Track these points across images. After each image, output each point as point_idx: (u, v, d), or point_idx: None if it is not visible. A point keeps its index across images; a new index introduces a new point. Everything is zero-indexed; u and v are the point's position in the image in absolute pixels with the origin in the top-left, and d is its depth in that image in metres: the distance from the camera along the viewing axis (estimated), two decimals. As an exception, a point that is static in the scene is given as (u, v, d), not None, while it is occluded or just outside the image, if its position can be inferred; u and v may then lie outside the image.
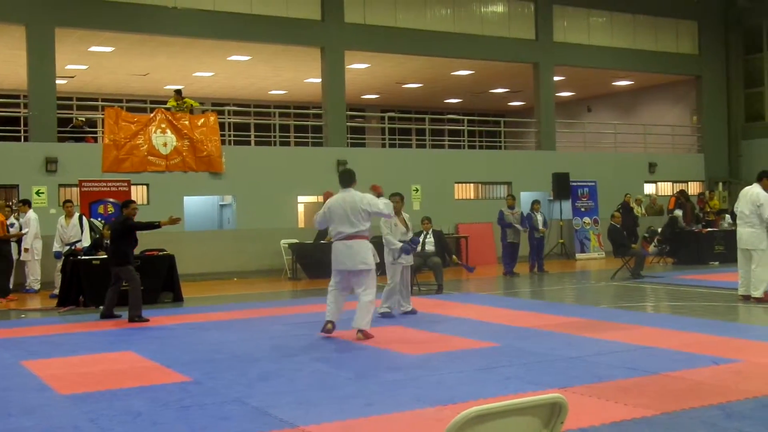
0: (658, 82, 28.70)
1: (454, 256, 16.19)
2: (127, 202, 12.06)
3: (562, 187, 22.33)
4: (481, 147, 26.25)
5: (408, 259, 11.31)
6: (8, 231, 15.25)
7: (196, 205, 21.62)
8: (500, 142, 26.04)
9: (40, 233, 15.89)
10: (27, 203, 16.11)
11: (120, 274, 11.62)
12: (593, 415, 5.54)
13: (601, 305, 12.26)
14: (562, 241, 22.56)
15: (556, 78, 25.36)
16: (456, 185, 22.49)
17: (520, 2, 24.23)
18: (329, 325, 9.43)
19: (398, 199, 11.26)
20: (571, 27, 25.18)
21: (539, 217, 18.42)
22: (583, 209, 23.03)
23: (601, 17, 25.85)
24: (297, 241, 18.64)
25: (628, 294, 13.69)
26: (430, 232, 14.94)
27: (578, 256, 22.40)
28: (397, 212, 11.05)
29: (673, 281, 15.39)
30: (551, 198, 23.13)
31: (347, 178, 9.82)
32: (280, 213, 19.87)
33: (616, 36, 25.90)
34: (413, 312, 11.37)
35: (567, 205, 22.76)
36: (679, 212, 20.87)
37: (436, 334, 9.48)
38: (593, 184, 23.33)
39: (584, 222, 22.90)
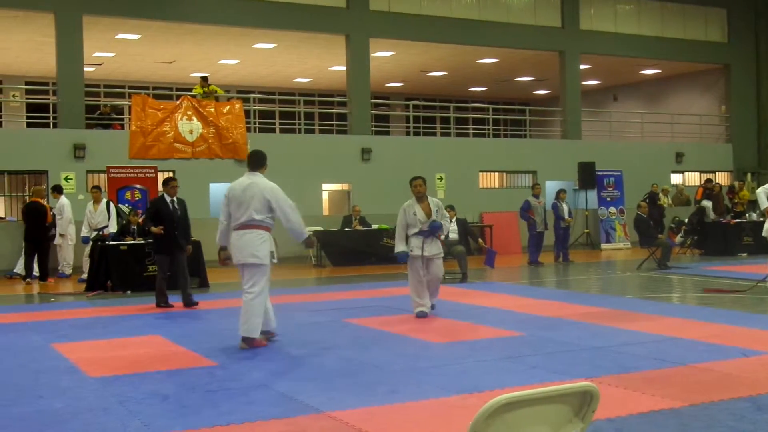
0: (685, 71, 28.40)
1: (480, 240, 16.18)
2: (167, 180, 11.71)
3: (588, 176, 22.18)
4: (505, 136, 26.18)
5: (429, 249, 9.87)
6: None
7: (222, 192, 21.69)
8: (525, 130, 25.92)
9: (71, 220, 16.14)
10: (59, 190, 16.31)
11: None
12: (620, 406, 5.51)
13: (626, 295, 12.19)
14: (587, 230, 22.44)
15: (582, 66, 25.17)
16: (480, 174, 22.43)
17: (547, -10, 24.04)
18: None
19: (420, 182, 10.07)
20: (598, 15, 24.96)
21: (564, 207, 18.32)
22: (608, 199, 22.87)
23: (629, 5, 25.60)
24: (322, 228, 18.67)
25: (654, 284, 13.60)
26: (453, 220, 14.91)
27: (603, 246, 22.27)
28: (420, 198, 10.03)
29: (700, 272, 15.26)
30: (576, 187, 23.00)
31: (255, 161, 8.48)
32: (304, 200, 19.84)
33: (644, 24, 25.65)
34: (432, 307, 10.18)
35: (592, 195, 22.62)
36: (708, 203, 20.69)
37: (461, 323, 9.47)
38: (619, 173, 23.15)
39: (610, 212, 22.75)
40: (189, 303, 11.30)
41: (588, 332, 8.61)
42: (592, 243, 22.44)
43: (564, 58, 24.41)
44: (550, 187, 22.27)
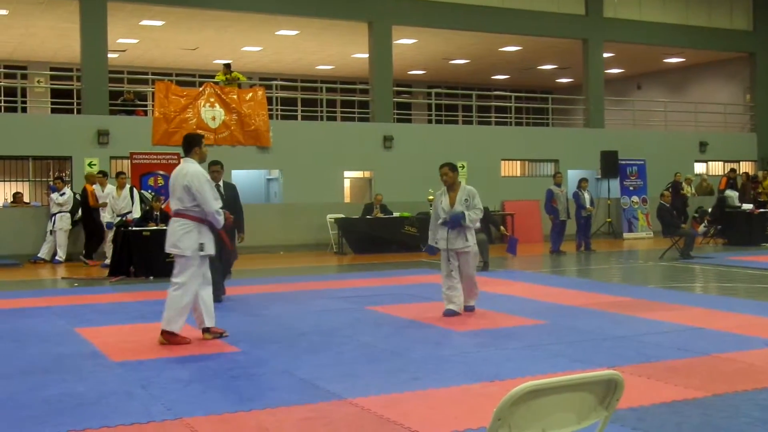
0: (710, 59, 28.11)
1: (502, 227, 16.13)
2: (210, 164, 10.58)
3: (610, 165, 22.05)
4: (528, 124, 26.04)
5: (453, 242, 9.22)
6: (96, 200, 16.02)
7: (244, 178, 21.78)
8: (548, 119, 25.77)
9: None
10: (106, 175, 16.53)
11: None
12: (643, 395, 5.49)
13: (649, 285, 12.12)
14: (609, 220, 22.32)
15: (605, 54, 24.99)
16: (502, 162, 22.35)
17: (571, -23, 23.86)
18: (205, 334, 7.89)
19: (445, 170, 9.33)
20: (622, 2, 24.73)
21: (586, 196, 18.23)
22: (631, 188, 22.73)
23: (653, -8, 25.34)
24: (343, 215, 18.71)
25: (677, 274, 13.51)
26: (476, 208, 14.86)
27: (626, 235, 22.16)
28: (450, 187, 9.31)
29: (723, 262, 15.14)
30: (599, 176, 22.88)
31: (184, 146, 7.94)
32: (326, 187, 19.95)
33: (668, 12, 25.39)
34: (468, 309, 9.39)
35: (615, 184, 22.49)
36: (732, 192, 20.51)
37: (483, 311, 9.46)
38: (642, 162, 22.99)
39: (632, 201, 22.61)
40: (217, 297, 10.52)
41: (610, 321, 8.58)
42: (614, 232, 22.33)
43: (587, 46, 24.23)
44: (573, 176, 22.17)
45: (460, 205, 9.22)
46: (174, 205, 7.72)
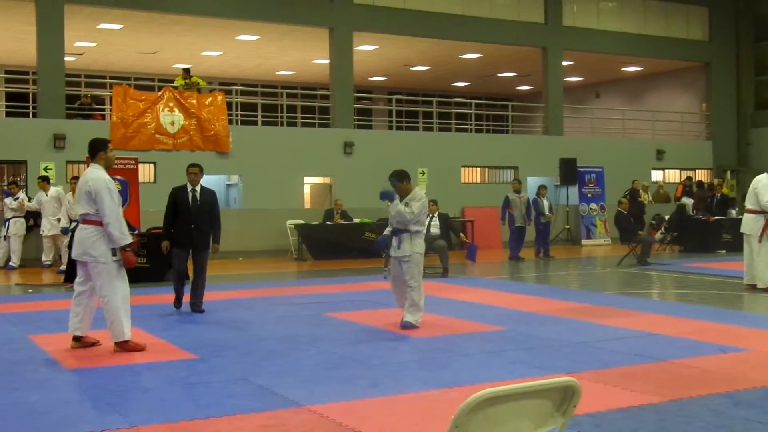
0: (667, 69, 28.54)
1: (461, 234, 16.18)
2: (188, 167, 10.30)
3: (569, 172, 22.27)
4: (488, 131, 26.19)
5: (396, 250, 8.75)
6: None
7: (203, 184, 21.60)
8: (508, 126, 25.95)
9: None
10: (47, 180, 16.25)
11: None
12: (599, 401, 5.53)
13: (607, 291, 12.25)
14: (568, 226, 22.53)
15: (564, 63, 25.25)
16: (463, 169, 22.45)
17: (531, -15, 24.07)
18: (73, 342, 7.63)
19: (395, 181, 8.90)
20: (581, 11, 25.03)
21: (545, 203, 18.38)
22: (589, 195, 22.98)
23: (612, 2, 25.71)
24: (303, 221, 18.64)
25: (634, 280, 13.68)
26: (435, 215, 14.93)
27: (584, 242, 22.38)
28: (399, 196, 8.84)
29: (679, 269, 15.36)
30: (558, 183, 23.09)
31: (90, 150, 7.72)
32: (286, 193, 19.87)
33: (626, 21, 25.75)
34: (404, 325, 8.66)
35: (574, 191, 22.72)
36: (688, 200, 20.82)
37: (442, 317, 9.47)
38: (600, 170, 23.26)
39: (591, 208, 22.85)
40: (197, 308, 10.00)
41: (568, 327, 8.65)
42: (572, 239, 22.55)
43: (547, 54, 24.47)
44: (532, 182, 22.34)
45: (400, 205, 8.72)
46: (81, 210, 7.50)
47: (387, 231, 9.01)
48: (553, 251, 18.76)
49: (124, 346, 7.41)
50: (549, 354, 7.27)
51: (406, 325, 8.59)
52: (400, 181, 8.85)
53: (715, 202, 20.52)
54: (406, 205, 8.70)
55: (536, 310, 9.92)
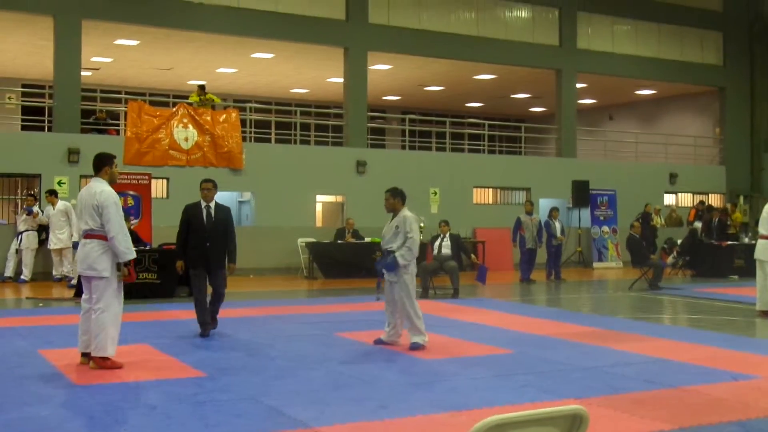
0: (681, 93, 28.52)
1: (472, 255, 16.12)
2: (201, 183, 9.92)
3: (582, 194, 22.23)
4: (501, 152, 26.23)
5: (390, 276, 8.82)
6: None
7: (216, 200, 21.68)
8: (520, 147, 25.96)
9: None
10: (54, 194, 16.35)
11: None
12: (609, 428, 5.49)
13: (618, 315, 12.18)
14: (579, 249, 22.46)
15: (578, 85, 25.27)
16: (475, 189, 22.45)
17: (545, 8, 24.16)
18: (82, 359, 7.61)
19: (387, 196, 8.91)
20: (596, 34, 25.07)
21: (557, 225, 18.33)
22: (601, 218, 22.92)
23: (626, 25, 25.72)
24: (314, 240, 18.64)
25: (645, 305, 13.60)
26: (447, 235, 14.91)
27: (596, 265, 22.30)
28: (392, 213, 8.94)
29: (691, 294, 15.27)
30: (570, 205, 23.04)
31: (94, 165, 7.73)
32: (298, 211, 19.90)
33: (641, 45, 25.77)
34: (412, 347, 8.60)
35: (586, 213, 22.67)
36: (700, 224, 20.71)
37: (451, 339, 9.44)
38: (613, 192, 23.21)
39: (603, 231, 22.79)
40: (212, 325, 9.63)
41: (579, 352, 8.59)
42: (584, 261, 22.47)
43: (561, 76, 24.50)
44: (544, 204, 22.31)
45: (389, 233, 8.81)
46: (84, 225, 7.51)
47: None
48: (565, 274, 18.68)
49: (102, 363, 7.35)
50: (559, 378, 7.22)
51: (415, 347, 8.56)
52: (395, 197, 8.88)
53: (714, 225, 20.29)
54: (397, 229, 8.73)
55: (547, 334, 9.86)
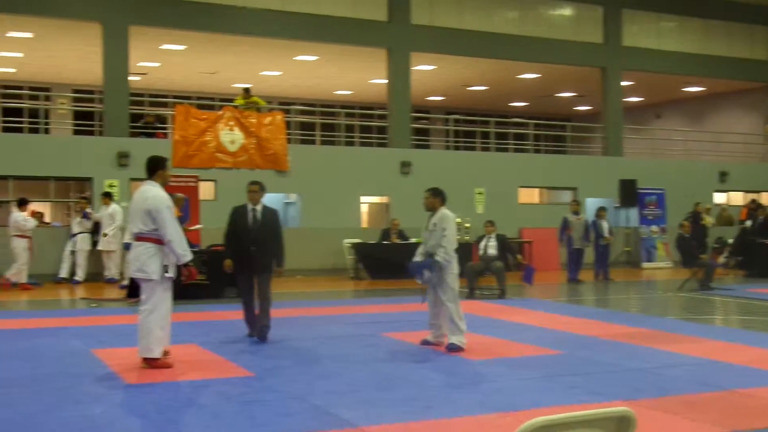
0: (730, 89, 28.02)
1: (519, 255, 16.00)
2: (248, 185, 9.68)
3: (629, 194, 21.97)
4: (546, 151, 26.03)
5: (424, 278, 8.75)
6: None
7: (263, 202, 21.86)
8: (566, 146, 25.74)
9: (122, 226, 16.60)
10: (109, 196, 16.68)
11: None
12: (658, 430, 5.43)
13: (667, 316, 12.02)
14: (628, 249, 22.20)
15: (624, 83, 24.99)
16: (520, 189, 22.32)
17: (589, 5, 23.94)
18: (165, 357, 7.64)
19: (427, 195, 8.97)
20: (641, 31, 24.77)
21: (604, 225, 18.14)
22: (650, 217, 22.63)
23: (672, 21, 25.37)
24: (360, 240, 18.70)
25: (696, 306, 13.40)
26: (493, 235, 14.85)
27: (644, 265, 22.03)
28: (431, 211, 8.95)
29: (743, 294, 14.99)
30: (617, 205, 22.78)
31: (147, 168, 7.80)
32: (343, 212, 19.99)
33: (687, 41, 25.39)
34: (450, 347, 8.54)
35: (634, 213, 22.40)
36: (750, 223, 20.32)
37: (498, 340, 9.40)
38: (661, 192, 22.89)
39: (651, 230, 22.50)
40: (262, 335, 9.30)
41: (627, 353, 8.50)
42: (632, 262, 22.19)
43: (606, 74, 24.25)
44: (591, 204, 22.09)
45: (428, 235, 8.79)
46: (135, 228, 7.58)
47: (419, 256, 8.91)
48: (613, 274, 18.47)
49: (151, 363, 7.45)
50: (607, 380, 7.15)
51: (453, 348, 8.51)
52: (435, 196, 8.90)
53: (758, 224, 19.81)
54: (434, 226, 8.72)
55: (595, 334, 9.77)
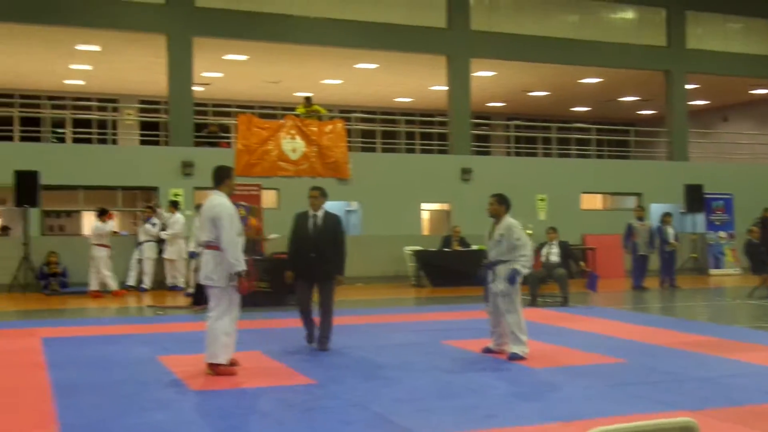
0: (801, 91, 27.27)
1: (581, 262, 15.79)
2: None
3: (696, 199, 21.50)
4: (609, 156, 25.66)
5: (493, 284, 8.74)
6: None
7: (325, 209, 22.02)
8: (630, 151, 25.36)
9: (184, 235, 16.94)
10: (175, 205, 17.03)
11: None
12: (727, 440, 5.31)
13: (736, 324, 11.73)
14: (694, 255, 21.73)
15: (689, 86, 24.50)
16: (583, 195, 22.05)
17: (651, 8, 23.57)
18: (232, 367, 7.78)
19: (492, 201, 8.94)
20: (706, 33, 24.28)
21: (670, 231, 17.81)
22: (717, 223, 22.12)
23: (738, 23, 24.79)
24: (421, 247, 18.69)
25: (766, 313, 13.04)
26: (555, 242, 14.70)
27: (712, 271, 21.54)
28: (495, 219, 8.92)
29: (815, 301, 14.56)
30: (683, 210, 22.33)
31: (213, 178, 7.96)
32: (404, 220, 20.01)
33: (754, 42, 24.79)
34: (511, 357, 8.45)
35: (700, 219, 21.93)
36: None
37: (561, 348, 9.30)
38: (729, 196, 22.37)
39: (719, 236, 21.99)
40: (321, 345, 9.23)
41: (694, 361, 8.33)
42: (700, 268, 21.73)
43: (670, 77, 23.83)
44: (656, 210, 21.70)
45: (493, 245, 8.78)
46: (203, 236, 7.80)
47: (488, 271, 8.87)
48: (679, 281, 18.10)
49: (216, 369, 7.57)
50: (673, 389, 7.01)
51: (513, 357, 8.44)
52: (500, 203, 8.86)
53: None
54: (501, 237, 8.66)
55: (660, 343, 9.59)
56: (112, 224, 16.35)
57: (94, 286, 15.80)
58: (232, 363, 7.78)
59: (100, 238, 15.89)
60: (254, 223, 16.11)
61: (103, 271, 15.78)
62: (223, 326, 7.58)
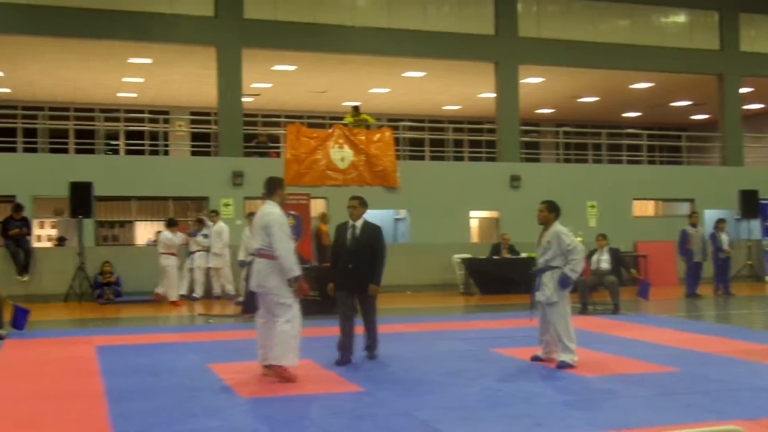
0: None
1: (633, 270, 15.56)
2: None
3: (751, 205, 21.05)
4: (661, 162, 25.30)
5: (539, 293, 8.68)
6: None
7: (372, 219, 22.03)
8: (682, 157, 24.97)
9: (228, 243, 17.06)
10: (217, 213, 17.28)
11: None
12: (782, 451, 5.18)
13: (792, 332, 11.46)
14: (750, 262, 21.28)
15: (743, 90, 24.06)
16: (635, 202, 21.76)
17: (703, 11, 23.21)
18: (264, 370, 7.96)
19: (542, 207, 8.87)
20: (760, 36, 23.82)
21: (724, 237, 17.47)
22: (774, 229, 21.64)
23: (795, 24, 24.28)
24: (470, 255, 18.62)
25: (824, 321, 12.72)
26: (605, 249, 14.53)
27: (768, 278, 21.08)
28: (543, 225, 8.88)
29: None
30: (738, 217, 21.88)
31: (265, 188, 8.22)
32: (452, 227, 19.97)
33: (811, 44, 24.24)
34: (560, 365, 8.39)
35: (756, 225, 21.47)
36: None
37: (612, 356, 9.18)
38: (786, 202, 21.86)
39: (776, 243, 21.51)
40: (370, 352, 9.27)
41: (749, 370, 8.15)
42: (755, 275, 21.27)
43: (723, 81, 23.42)
44: (710, 216, 21.32)
45: (541, 252, 8.74)
46: (256, 244, 7.97)
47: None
48: (734, 288, 17.74)
49: (280, 372, 7.70)
50: (727, 398, 6.87)
51: (562, 365, 8.36)
52: (551, 211, 8.83)
53: None
54: (548, 244, 8.64)
55: (713, 351, 9.41)
56: (181, 236, 16.62)
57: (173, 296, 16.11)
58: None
59: (169, 248, 16.16)
60: (325, 230, 16.34)
61: (168, 280, 16.04)
62: (291, 329, 7.72)
